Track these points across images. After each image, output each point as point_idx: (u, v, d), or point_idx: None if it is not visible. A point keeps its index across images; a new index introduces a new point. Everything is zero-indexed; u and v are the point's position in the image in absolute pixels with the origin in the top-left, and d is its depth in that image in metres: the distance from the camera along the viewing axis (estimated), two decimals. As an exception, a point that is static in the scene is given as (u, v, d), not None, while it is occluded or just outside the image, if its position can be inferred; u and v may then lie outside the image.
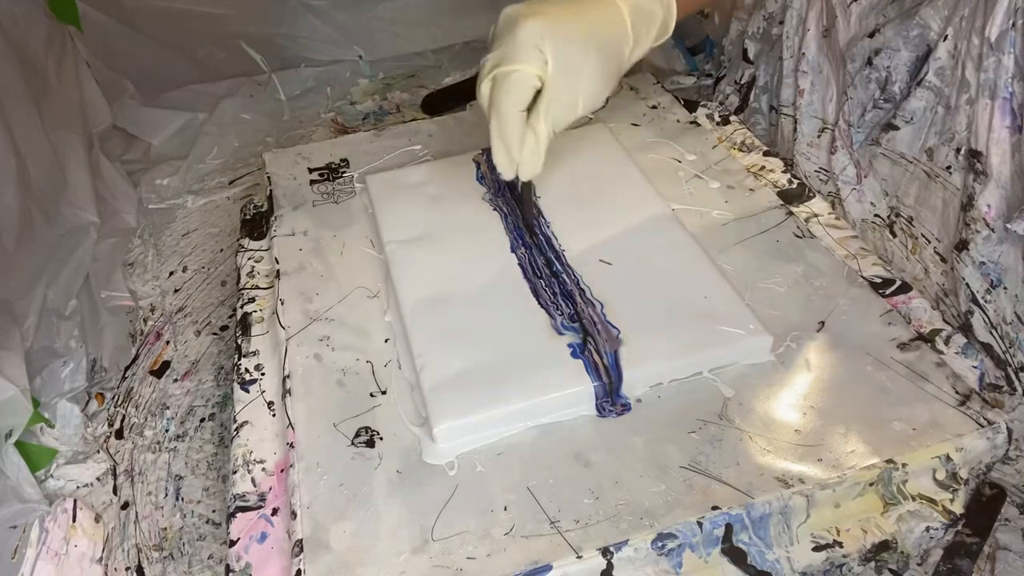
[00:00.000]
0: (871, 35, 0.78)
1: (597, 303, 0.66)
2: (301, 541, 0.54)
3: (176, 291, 0.97)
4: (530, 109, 0.62)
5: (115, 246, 0.99)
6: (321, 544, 0.54)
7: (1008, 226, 0.65)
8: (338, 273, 0.76)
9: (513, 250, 0.73)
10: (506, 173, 0.64)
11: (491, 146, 0.64)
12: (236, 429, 0.64)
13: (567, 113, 0.60)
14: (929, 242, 0.76)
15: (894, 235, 0.81)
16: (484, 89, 0.62)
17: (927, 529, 0.57)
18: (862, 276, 0.70)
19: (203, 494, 0.74)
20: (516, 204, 0.78)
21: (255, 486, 0.60)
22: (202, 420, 0.81)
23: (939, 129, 0.73)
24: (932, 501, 0.57)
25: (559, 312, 0.66)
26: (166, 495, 0.74)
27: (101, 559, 0.69)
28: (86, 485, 0.76)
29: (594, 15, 0.61)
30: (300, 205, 0.85)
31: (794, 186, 0.82)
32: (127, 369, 0.87)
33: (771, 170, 0.84)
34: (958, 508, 0.57)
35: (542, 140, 0.61)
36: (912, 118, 0.75)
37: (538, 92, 0.61)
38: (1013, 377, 0.69)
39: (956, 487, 0.57)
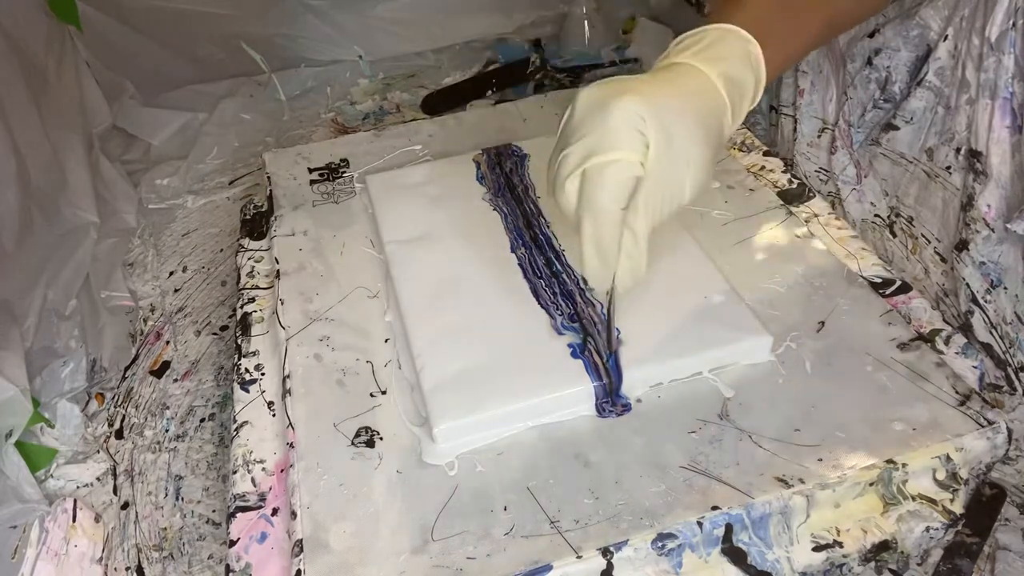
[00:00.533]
0: (871, 35, 0.78)
1: (597, 303, 0.66)
2: (301, 541, 0.54)
3: (176, 291, 0.97)
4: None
5: (115, 246, 0.99)
6: (321, 544, 0.54)
7: (1008, 226, 0.65)
8: (338, 273, 0.76)
9: (513, 250, 0.73)
10: (600, 284, 0.55)
11: (582, 254, 0.54)
12: (236, 429, 0.64)
13: (672, 203, 0.51)
14: (929, 242, 0.76)
15: (894, 235, 0.81)
16: (570, 188, 0.52)
17: (927, 529, 0.57)
18: (862, 276, 0.70)
19: (203, 494, 0.74)
20: (516, 205, 0.78)
21: (255, 486, 0.60)
22: (202, 420, 0.81)
23: (939, 129, 0.73)
24: (932, 501, 0.57)
25: (559, 312, 0.66)
26: (166, 495, 0.74)
27: (101, 559, 0.69)
28: (86, 485, 0.76)
29: (691, 89, 0.53)
30: (300, 205, 0.85)
31: (794, 186, 0.82)
32: (127, 369, 0.87)
33: (771, 170, 0.84)
34: (958, 508, 0.57)
35: (641, 240, 0.52)
36: (912, 118, 0.75)
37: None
38: (1013, 377, 0.69)
39: (956, 487, 0.57)
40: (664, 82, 0.53)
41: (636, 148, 0.50)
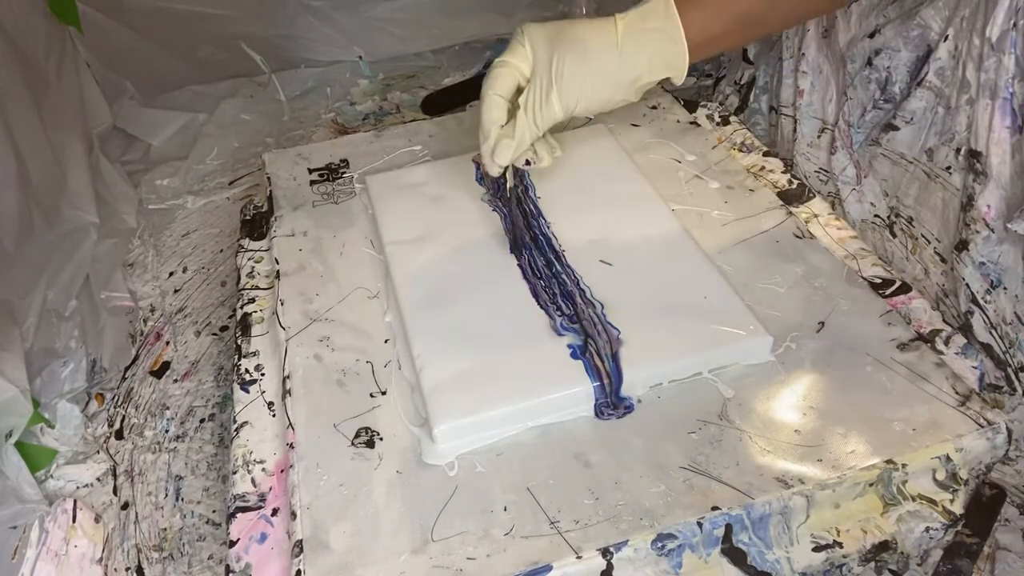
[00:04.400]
0: (871, 35, 0.78)
1: (597, 303, 0.66)
2: (301, 542, 0.54)
3: (176, 291, 0.97)
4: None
5: (115, 246, 0.99)
6: (321, 544, 0.54)
7: (1008, 226, 0.65)
8: (338, 274, 0.76)
9: (512, 251, 0.73)
10: (485, 158, 0.67)
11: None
12: (236, 429, 0.64)
13: (544, 110, 0.64)
14: (929, 242, 0.76)
15: (894, 235, 0.81)
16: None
17: (927, 529, 0.57)
18: (862, 276, 0.70)
19: (203, 494, 0.74)
20: (515, 202, 0.78)
21: (255, 486, 0.60)
22: (202, 420, 0.81)
23: (939, 129, 0.73)
24: (932, 501, 0.57)
25: (559, 313, 0.66)
26: (166, 495, 0.74)
27: (101, 559, 0.69)
28: (86, 485, 0.76)
29: (585, 27, 0.64)
30: (300, 206, 0.85)
31: (794, 186, 0.82)
32: (127, 370, 0.87)
33: (771, 170, 0.84)
34: (958, 508, 0.57)
35: (519, 129, 0.65)
36: (912, 118, 0.75)
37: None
38: (1013, 377, 0.69)
39: (956, 487, 0.57)
40: (569, 22, 0.65)
41: (519, 57, 0.64)
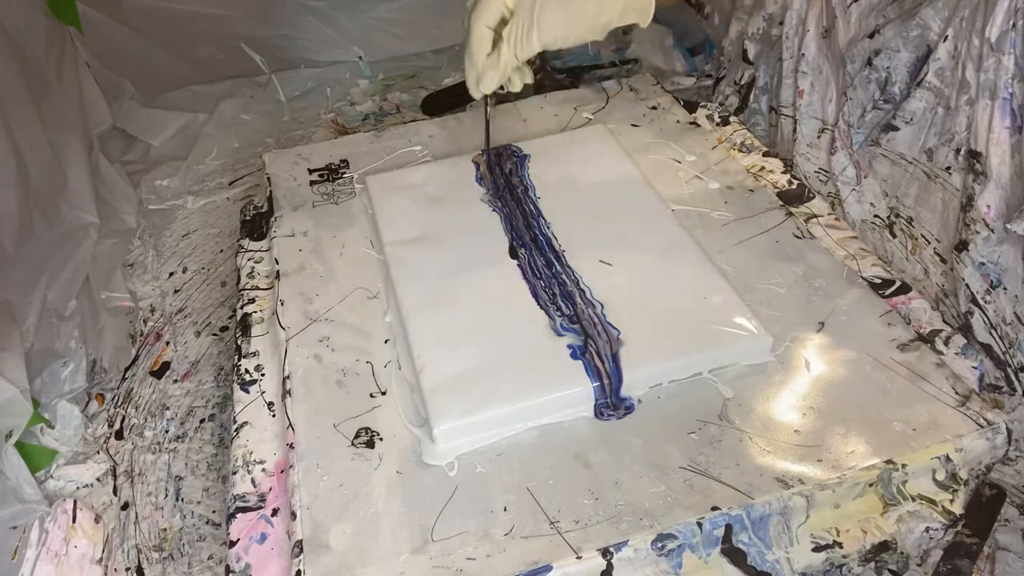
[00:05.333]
0: (871, 36, 0.79)
1: (597, 303, 0.66)
2: (301, 542, 0.54)
3: (176, 292, 0.97)
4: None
5: (115, 247, 0.99)
6: (321, 545, 0.54)
7: (1008, 226, 0.65)
8: (338, 274, 0.76)
9: (512, 248, 0.73)
10: (469, 84, 0.72)
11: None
12: (236, 430, 0.64)
13: (525, 42, 0.67)
14: (929, 243, 0.76)
15: (894, 236, 0.81)
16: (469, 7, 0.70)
17: (927, 530, 0.57)
18: (862, 277, 0.70)
19: (203, 495, 0.74)
20: (516, 205, 0.78)
21: (255, 487, 0.60)
22: (202, 421, 0.81)
23: (939, 130, 0.73)
24: (932, 502, 0.57)
25: (559, 313, 0.66)
26: (166, 496, 0.74)
27: (101, 560, 0.69)
28: (86, 486, 0.76)
29: None
30: (300, 206, 0.85)
31: (794, 187, 0.82)
32: (127, 370, 0.87)
33: (771, 171, 0.84)
34: (958, 509, 0.57)
35: (502, 58, 0.68)
36: (912, 119, 0.75)
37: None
38: (1013, 378, 0.69)
39: (956, 487, 0.57)
40: None
41: None
